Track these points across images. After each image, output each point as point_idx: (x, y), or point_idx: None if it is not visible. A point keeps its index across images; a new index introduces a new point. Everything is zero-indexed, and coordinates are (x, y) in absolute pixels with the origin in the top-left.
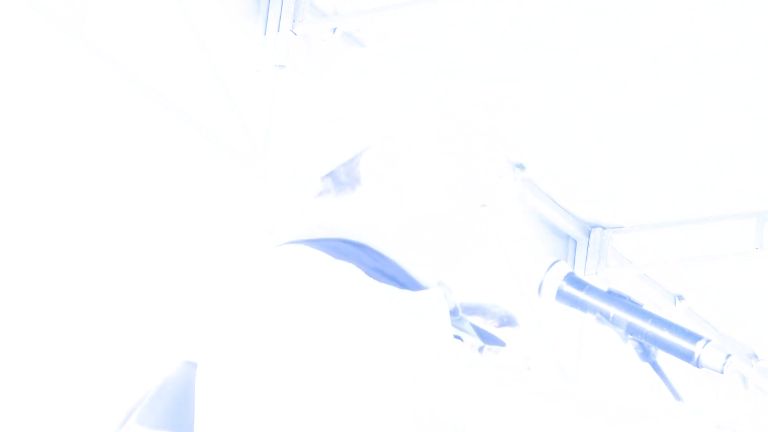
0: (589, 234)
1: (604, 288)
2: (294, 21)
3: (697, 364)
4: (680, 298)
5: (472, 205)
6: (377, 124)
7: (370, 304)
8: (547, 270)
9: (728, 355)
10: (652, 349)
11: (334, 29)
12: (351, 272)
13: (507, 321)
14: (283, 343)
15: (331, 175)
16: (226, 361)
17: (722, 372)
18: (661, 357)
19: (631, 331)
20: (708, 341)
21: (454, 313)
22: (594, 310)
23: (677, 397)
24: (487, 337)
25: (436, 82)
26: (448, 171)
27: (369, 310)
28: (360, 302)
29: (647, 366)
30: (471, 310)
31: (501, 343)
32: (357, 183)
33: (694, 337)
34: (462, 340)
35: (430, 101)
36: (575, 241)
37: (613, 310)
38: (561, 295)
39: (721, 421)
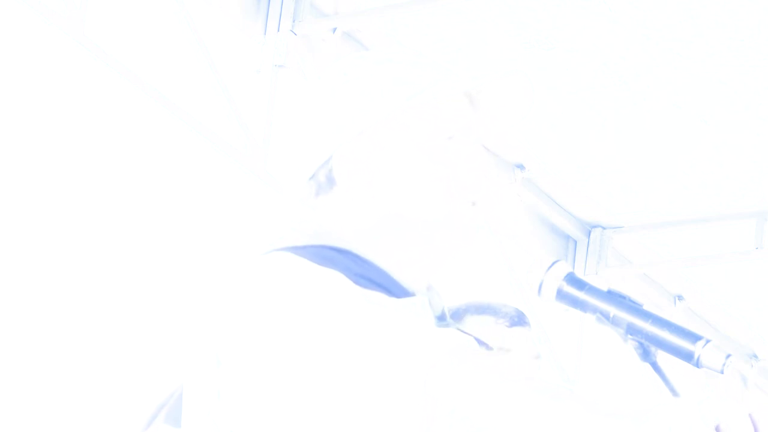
0: (589, 234)
1: (604, 288)
2: (294, 21)
3: (697, 364)
4: (680, 298)
5: (454, 203)
6: (349, 123)
7: (368, 307)
8: (547, 270)
9: (728, 355)
10: (652, 349)
11: (334, 29)
12: (335, 280)
13: (518, 321)
14: (276, 350)
15: (313, 177)
16: (211, 369)
17: (722, 372)
18: (661, 357)
19: (631, 331)
20: (708, 341)
21: (441, 318)
22: (594, 310)
23: (677, 396)
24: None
25: (410, 81)
26: (423, 168)
27: (368, 312)
28: (356, 307)
29: (647, 366)
30: (481, 309)
31: (488, 348)
32: (333, 183)
33: (694, 337)
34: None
35: (404, 97)
36: (575, 241)
37: (613, 310)
38: (561, 295)
39: (720, 420)
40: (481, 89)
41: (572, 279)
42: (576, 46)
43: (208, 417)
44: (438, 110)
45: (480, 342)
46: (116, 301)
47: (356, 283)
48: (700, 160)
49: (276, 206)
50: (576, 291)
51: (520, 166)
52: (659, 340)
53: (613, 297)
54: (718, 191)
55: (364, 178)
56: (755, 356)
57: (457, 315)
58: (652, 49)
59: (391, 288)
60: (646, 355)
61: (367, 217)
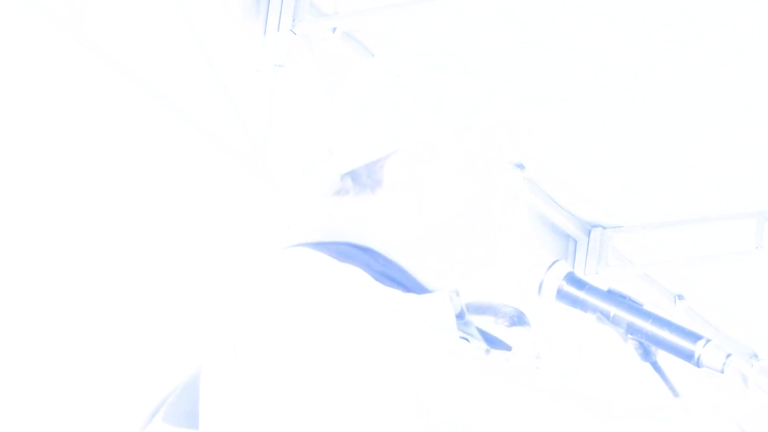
0: (589, 233)
1: (604, 287)
2: (294, 20)
3: (698, 364)
4: (680, 297)
5: (488, 222)
6: (407, 130)
7: (375, 307)
8: (547, 270)
9: (728, 355)
10: (653, 348)
11: (334, 29)
12: (356, 275)
13: (517, 320)
14: (286, 347)
15: (351, 174)
16: (229, 365)
17: (722, 371)
18: (662, 357)
19: (632, 330)
20: (708, 341)
21: (460, 316)
22: (594, 309)
23: (678, 395)
24: (492, 341)
25: (469, 96)
26: (468, 187)
27: (374, 313)
28: (364, 305)
29: (647, 366)
30: (481, 309)
31: (507, 347)
32: (378, 186)
33: (695, 337)
34: (468, 342)
35: (462, 115)
36: (575, 241)
37: (613, 310)
38: (561, 295)
39: (736, 419)
40: (528, 116)
41: (572, 278)
42: (576, 46)
43: (226, 413)
44: (489, 132)
45: (477, 348)
46: (116, 300)
47: (376, 279)
48: (700, 159)
49: (288, 202)
50: (576, 290)
51: (520, 166)
52: (659, 339)
53: (613, 296)
54: (718, 191)
55: (415, 189)
56: (756, 356)
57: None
58: (652, 49)
59: (411, 286)
60: (646, 354)
61: (408, 226)
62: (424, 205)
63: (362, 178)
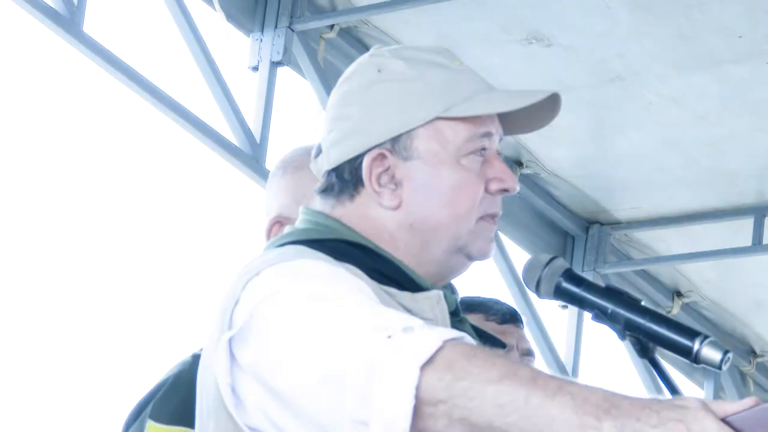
0: (587, 230)
1: (602, 284)
2: (292, 18)
3: (696, 360)
4: (678, 294)
5: (473, 217)
6: (384, 126)
7: (372, 305)
8: (545, 266)
9: (726, 351)
10: (650, 345)
11: (332, 26)
12: (351, 272)
13: (509, 318)
14: (283, 344)
15: (336, 170)
16: (226, 361)
17: (720, 368)
18: (659, 353)
19: (630, 327)
20: (706, 337)
21: (455, 313)
22: (592, 306)
23: (675, 392)
24: (487, 338)
25: (447, 90)
26: (450, 180)
27: (371, 310)
28: (361, 304)
29: (645, 362)
30: (473, 306)
31: (501, 345)
32: (359, 182)
33: (693, 333)
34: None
35: (438, 109)
36: (574, 238)
37: (611, 307)
38: (559, 292)
39: (722, 414)
40: (508, 108)
41: (570, 275)
42: (574, 43)
43: (222, 410)
44: (473, 124)
45: (477, 338)
46: (112, 298)
47: (371, 277)
48: (699, 156)
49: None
50: (574, 287)
51: (519, 163)
52: (657, 336)
53: (611, 293)
54: (717, 188)
55: (392, 184)
56: (753, 352)
57: None
58: (650, 46)
59: (405, 283)
60: (644, 351)
61: (391, 221)
62: (404, 201)
63: (345, 175)
